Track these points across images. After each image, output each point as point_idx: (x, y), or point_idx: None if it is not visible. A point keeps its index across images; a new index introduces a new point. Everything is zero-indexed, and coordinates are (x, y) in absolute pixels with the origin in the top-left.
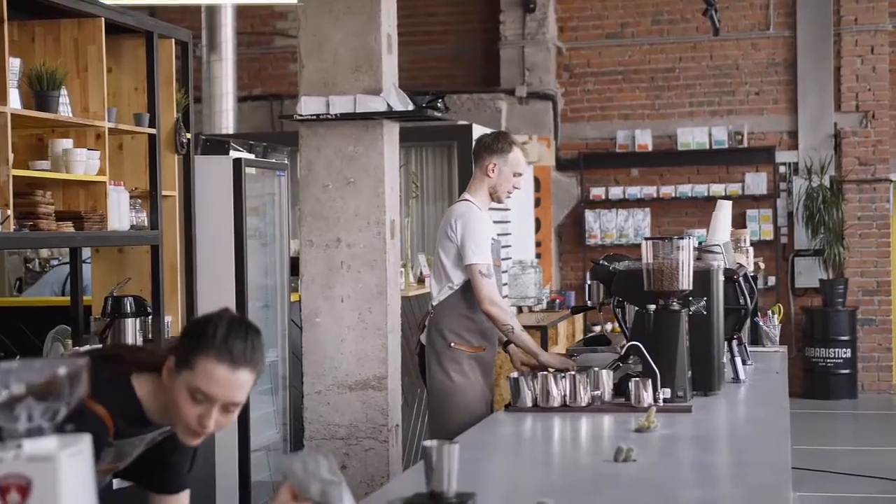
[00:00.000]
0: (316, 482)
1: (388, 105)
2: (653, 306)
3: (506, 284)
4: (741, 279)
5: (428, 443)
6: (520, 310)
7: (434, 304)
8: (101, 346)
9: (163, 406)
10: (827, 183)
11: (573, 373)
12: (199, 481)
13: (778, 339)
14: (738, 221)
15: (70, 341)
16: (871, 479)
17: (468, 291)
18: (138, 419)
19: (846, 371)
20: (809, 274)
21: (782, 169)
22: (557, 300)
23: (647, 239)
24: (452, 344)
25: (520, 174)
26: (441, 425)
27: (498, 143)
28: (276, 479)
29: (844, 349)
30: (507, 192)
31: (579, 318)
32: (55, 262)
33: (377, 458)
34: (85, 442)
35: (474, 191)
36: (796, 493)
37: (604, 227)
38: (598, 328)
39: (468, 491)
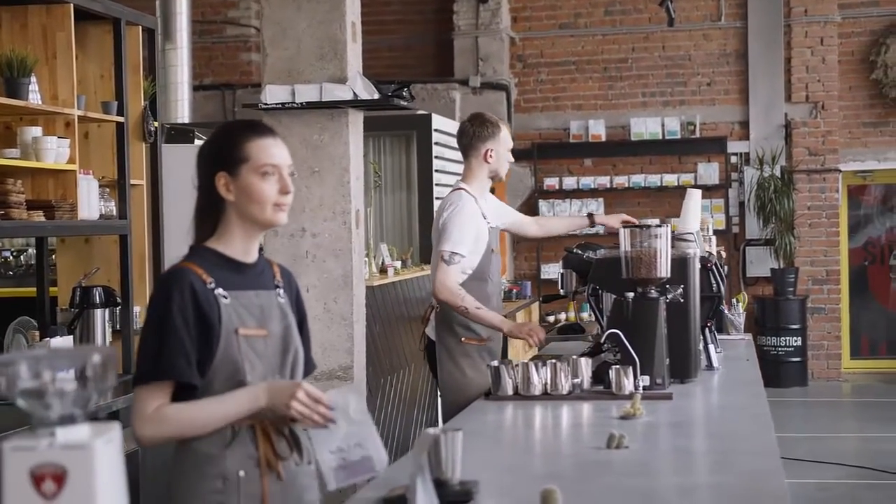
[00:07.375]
0: (343, 421)
1: (354, 93)
2: (631, 294)
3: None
4: (714, 266)
5: (432, 430)
6: None
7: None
8: None
9: (239, 236)
10: (778, 173)
11: (553, 361)
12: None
13: (742, 327)
14: None
15: (37, 332)
16: (823, 464)
17: (473, 281)
18: (225, 263)
19: (797, 359)
20: (760, 263)
21: (734, 159)
22: (514, 290)
23: (625, 226)
24: (463, 339)
25: (511, 147)
26: None
27: (488, 128)
28: None
29: (795, 337)
30: (506, 168)
31: (535, 307)
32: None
33: None
34: (115, 430)
35: (471, 179)
36: None
37: None
38: (563, 316)
39: (471, 479)
